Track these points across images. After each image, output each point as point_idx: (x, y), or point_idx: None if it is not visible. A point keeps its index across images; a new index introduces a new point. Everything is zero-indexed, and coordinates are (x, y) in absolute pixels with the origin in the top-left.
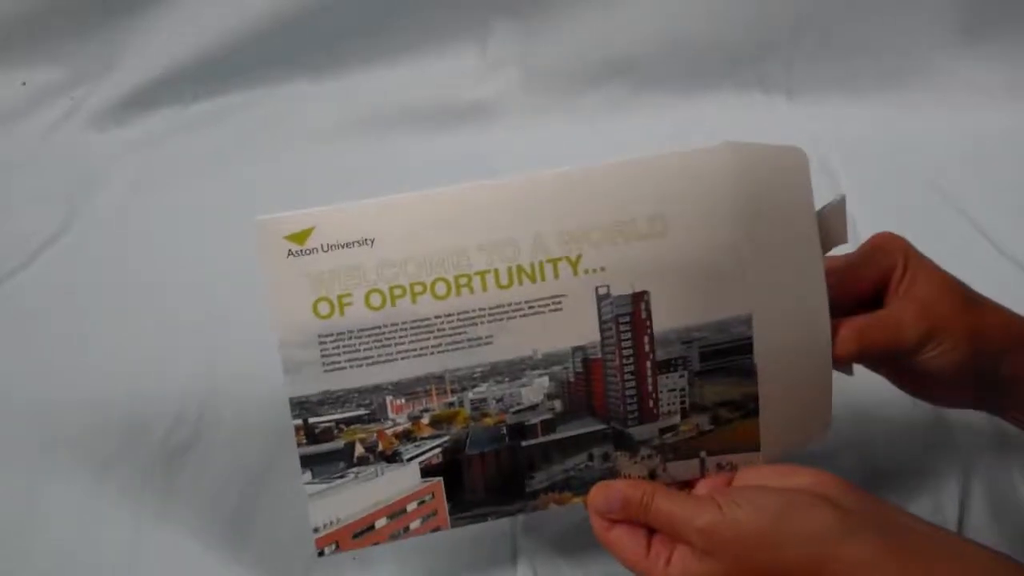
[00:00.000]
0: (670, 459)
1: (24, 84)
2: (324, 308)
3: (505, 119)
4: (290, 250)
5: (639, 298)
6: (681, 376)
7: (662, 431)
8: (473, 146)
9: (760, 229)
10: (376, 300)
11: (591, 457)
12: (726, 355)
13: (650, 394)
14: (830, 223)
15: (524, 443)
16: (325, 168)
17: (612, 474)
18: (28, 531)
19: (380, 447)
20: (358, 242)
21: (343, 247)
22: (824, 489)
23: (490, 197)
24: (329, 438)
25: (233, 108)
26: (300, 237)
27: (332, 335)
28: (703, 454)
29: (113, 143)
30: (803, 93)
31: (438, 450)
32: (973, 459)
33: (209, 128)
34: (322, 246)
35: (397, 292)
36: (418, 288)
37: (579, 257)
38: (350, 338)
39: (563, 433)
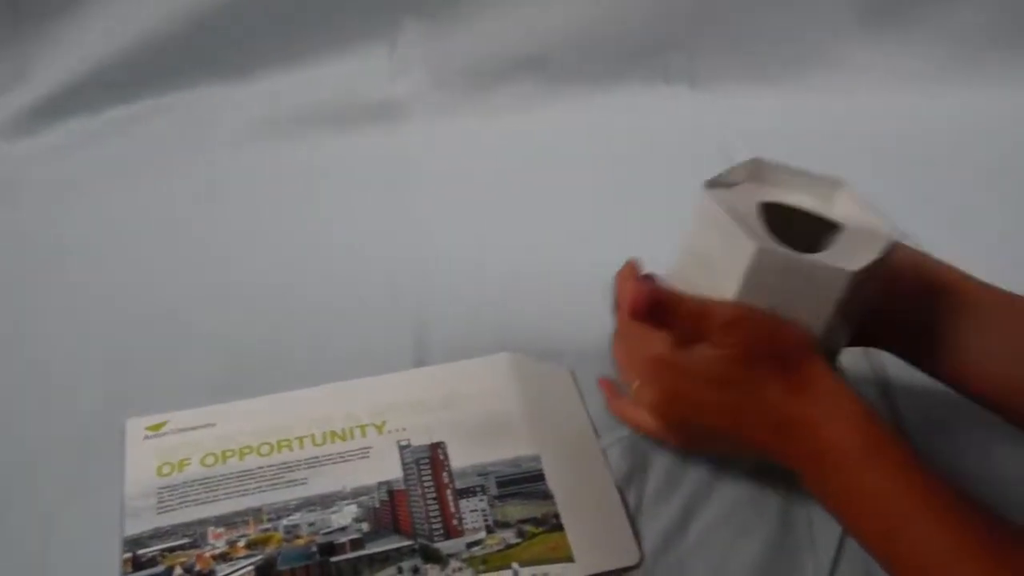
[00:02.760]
0: (481, 570)
1: None
2: (166, 469)
3: (416, 117)
4: (146, 435)
5: (436, 446)
6: (481, 499)
7: (469, 545)
8: (385, 145)
9: (537, 402)
10: (210, 460)
11: (400, 571)
12: (521, 483)
13: (453, 514)
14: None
15: (334, 559)
16: (239, 171)
17: None
18: None
19: (197, 567)
20: (202, 426)
21: (189, 430)
22: None
23: (314, 395)
24: (153, 564)
25: (145, 114)
26: (157, 427)
27: (169, 487)
28: (515, 565)
29: (25, 153)
30: (706, 83)
31: (251, 568)
32: None
33: (122, 135)
34: (172, 430)
35: (228, 453)
36: (246, 450)
37: (383, 423)
38: (184, 487)
39: (371, 549)
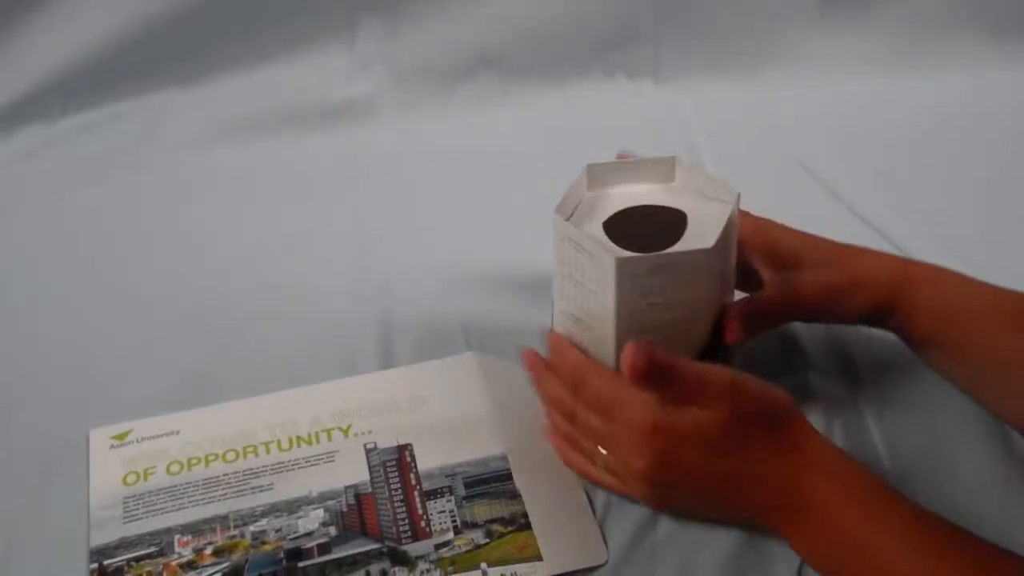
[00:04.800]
0: (450, 572)
1: None
2: (131, 479)
3: (377, 116)
4: (112, 444)
5: (403, 448)
6: (448, 500)
7: (437, 546)
8: (347, 145)
9: (504, 401)
10: (175, 468)
11: (368, 574)
12: (489, 482)
13: (420, 516)
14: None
15: (301, 564)
16: (200, 176)
17: None
18: None
19: None
20: (166, 434)
21: (154, 438)
22: None
23: (279, 400)
24: (119, 574)
25: (103, 121)
26: (121, 436)
27: (134, 496)
28: (483, 565)
29: None
30: (668, 76)
31: (218, 575)
32: None
33: (80, 142)
34: (137, 439)
35: (194, 461)
36: (212, 457)
37: (349, 426)
38: (149, 496)
39: (339, 553)
